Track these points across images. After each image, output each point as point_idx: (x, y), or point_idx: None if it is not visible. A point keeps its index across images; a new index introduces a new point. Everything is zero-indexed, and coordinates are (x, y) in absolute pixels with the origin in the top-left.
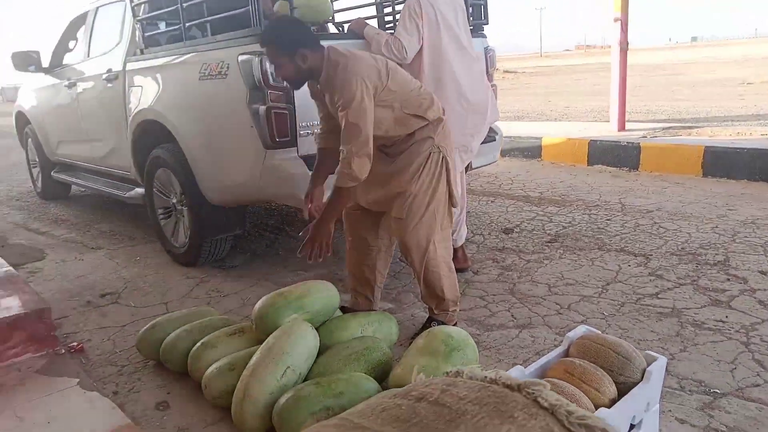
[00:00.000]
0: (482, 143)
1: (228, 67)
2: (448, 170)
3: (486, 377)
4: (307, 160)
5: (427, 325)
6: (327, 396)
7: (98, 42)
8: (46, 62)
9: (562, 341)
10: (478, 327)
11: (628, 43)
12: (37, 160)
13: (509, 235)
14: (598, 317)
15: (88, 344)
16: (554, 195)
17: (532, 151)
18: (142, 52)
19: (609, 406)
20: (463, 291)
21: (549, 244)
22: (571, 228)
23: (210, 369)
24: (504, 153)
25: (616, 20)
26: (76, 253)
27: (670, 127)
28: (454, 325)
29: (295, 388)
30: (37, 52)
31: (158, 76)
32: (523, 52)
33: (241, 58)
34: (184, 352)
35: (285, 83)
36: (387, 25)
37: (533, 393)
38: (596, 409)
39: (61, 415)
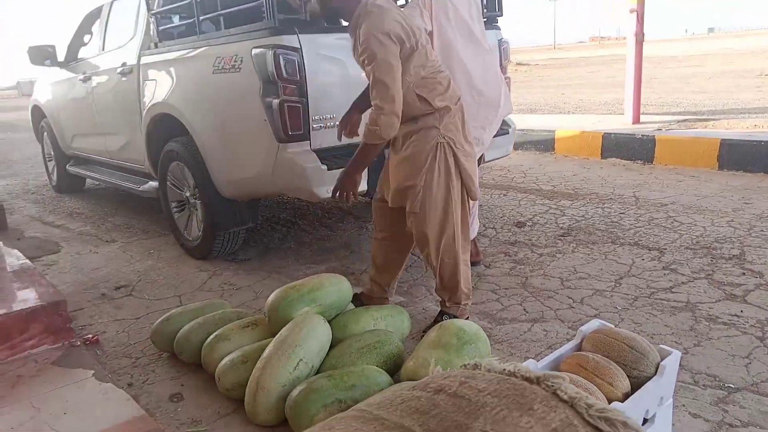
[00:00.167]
0: (495, 136)
1: (241, 61)
2: (458, 162)
3: (504, 370)
4: (320, 153)
5: (438, 318)
6: (339, 389)
7: (113, 36)
8: (61, 56)
9: (574, 335)
10: (490, 320)
11: (643, 35)
12: (53, 153)
13: (522, 229)
14: (611, 311)
15: (103, 336)
16: (567, 188)
17: (545, 144)
18: (156, 46)
19: (622, 401)
20: (476, 285)
21: (562, 237)
22: (584, 221)
23: (223, 361)
24: (517, 146)
25: (631, 11)
26: (90, 246)
27: (685, 120)
28: (466, 318)
29: (308, 381)
30: (53, 47)
31: (172, 69)
32: (536, 44)
33: (254, 51)
34: (198, 344)
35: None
36: None
37: (552, 386)
38: (609, 404)
39: (76, 406)
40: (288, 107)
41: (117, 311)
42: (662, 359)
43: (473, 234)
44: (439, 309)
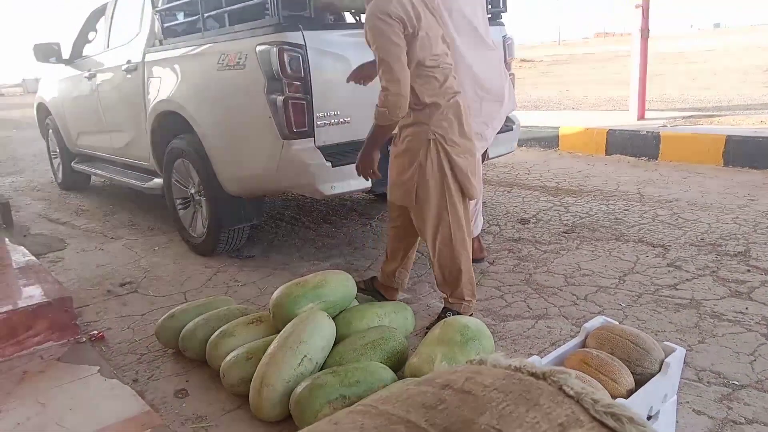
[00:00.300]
0: (499, 133)
1: (246, 58)
2: (450, 159)
3: (510, 365)
4: (325, 150)
5: (442, 315)
6: (343, 385)
7: (118, 33)
8: (66, 54)
9: (578, 332)
10: (494, 317)
11: (649, 30)
12: (58, 151)
13: (526, 226)
14: (616, 308)
15: (109, 333)
16: (571, 185)
17: (549, 140)
18: (161, 43)
19: (626, 397)
20: (479, 281)
21: (566, 234)
22: (588, 218)
23: (228, 357)
24: (521, 143)
25: (637, 7)
26: (96, 243)
27: (690, 116)
28: (470, 315)
29: (312, 377)
30: (58, 44)
31: (177, 67)
32: (541, 41)
33: (259, 48)
34: (203, 340)
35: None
36: None
37: (558, 381)
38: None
39: (82, 402)
40: (292, 104)
41: (122, 308)
42: (666, 356)
43: (477, 231)
44: (442, 306)
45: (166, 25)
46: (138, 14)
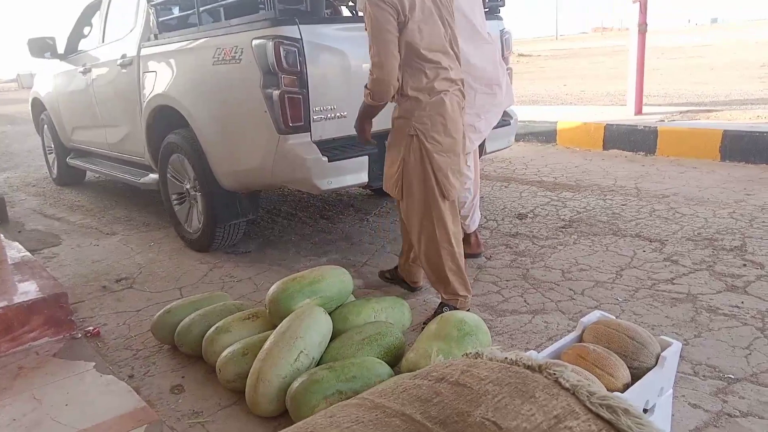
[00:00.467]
0: (497, 127)
1: (242, 52)
2: (430, 156)
3: (506, 358)
4: (321, 145)
5: (439, 310)
6: (340, 380)
7: (113, 27)
8: (61, 48)
9: (575, 327)
10: (491, 312)
11: (646, 25)
12: (53, 146)
13: (523, 221)
14: (612, 303)
15: (104, 328)
16: (569, 180)
17: (547, 135)
18: (156, 38)
19: (622, 391)
20: (476, 276)
21: (563, 229)
22: (585, 213)
23: (224, 353)
24: (518, 138)
25: (634, 2)
26: (91, 239)
27: (688, 111)
28: (467, 310)
29: (309, 372)
30: (53, 39)
31: (172, 61)
32: (539, 35)
33: (254, 42)
34: (199, 336)
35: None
36: None
37: (554, 374)
38: None
39: (77, 398)
40: (288, 98)
41: (118, 303)
42: (663, 350)
43: (474, 226)
44: (439, 301)
45: (161, 19)
46: (133, 8)
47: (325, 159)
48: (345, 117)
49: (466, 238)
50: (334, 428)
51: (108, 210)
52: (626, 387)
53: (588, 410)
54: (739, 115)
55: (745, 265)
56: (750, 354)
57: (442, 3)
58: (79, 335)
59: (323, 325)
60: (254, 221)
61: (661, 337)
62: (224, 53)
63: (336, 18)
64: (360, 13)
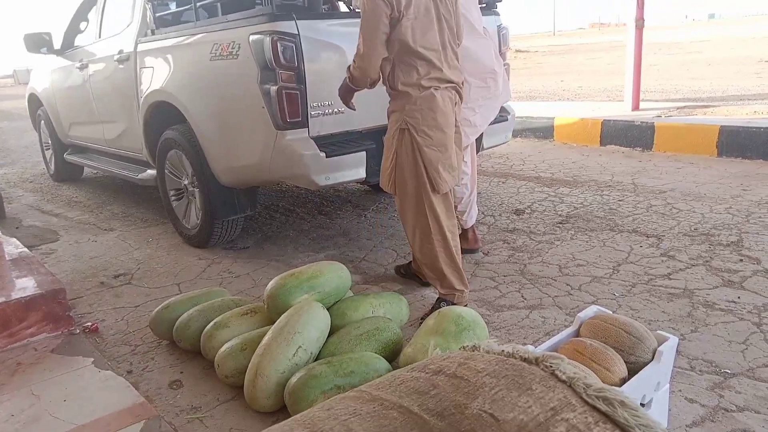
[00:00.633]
0: (494, 123)
1: (239, 48)
2: (420, 150)
3: (503, 351)
4: (319, 140)
5: (436, 305)
6: (338, 375)
7: (109, 23)
8: (58, 44)
9: (572, 322)
10: (489, 308)
11: (644, 21)
12: (50, 142)
13: (520, 216)
14: (609, 298)
15: (103, 324)
16: (566, 176)
17: (544, 131)
18: (153, 33)
19: (619, 386)
20: (474, 272)
21: (560, 225)
22: (582, 209)
23: (222, 348)
24: (516, 133)
25: None
26: (89, 235)
27: (685, 107)
28: (465, 305)
29: (307, 367)
30: (49, 34)
31: (169, 56)
32: (536, 31)
33: (252, 38)
34: (197, 331)
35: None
36: None
37: (551, 366)
38: None
39: (76, 393)
40: (286, 94)
41: (116, 299)
42: (659, 345)
43: (471, 221)
44: (437, 296)
45: (158, 14)
46: (130, 3)
47: (323, 155)
48: (342, 113)
49: (464, 234)
50: (331, 421)
51: (106, 206)
52: (623, 382)
53: (584, 402)
54: (736, 110)
55: (741, 260)
56: (746, 349)
57: (442, 1)
58: (78, 331)
59: (321, 320)
60: (252, 217)
61: (658, 332)
62: (221, 49)
63: (333, 13)
64: (357, 9)
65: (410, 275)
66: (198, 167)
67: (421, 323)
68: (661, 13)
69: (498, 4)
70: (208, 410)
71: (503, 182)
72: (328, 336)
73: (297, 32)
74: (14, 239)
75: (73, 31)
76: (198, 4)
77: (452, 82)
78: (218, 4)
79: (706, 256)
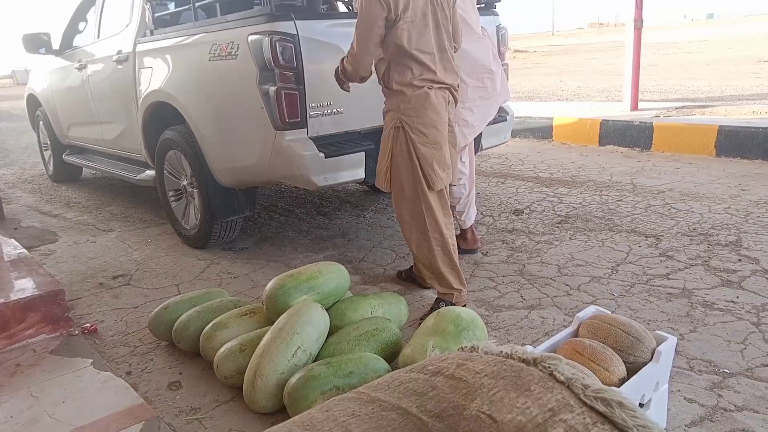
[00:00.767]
0: (493, 123)
1: (238, 48)
2: (415, 147)
3: (502, 352)
4: (318, 141)
5: (435, 305)
6: (337, 376)
7: (108, 23)
8: (56, 44)
9: (571, 322)
10: (488, 308)
11: (642, 21)
12: (49, 142)
13: (519, 217)
14: (608, 298)
15: (102, 325)
16: (565, 176)
17: (543, 131)
18: (152, 33)
19: (618, 386)
20: (473, 272)
21: (559, 225)
22: (581, 209)
23: (221, 349)
24: (515, 133)
25: None
26: (88, 236)
27: (683, 107)
28: (464, 305)
29: (306, 368)
30: (48, 34)
31: (168, 57)
32: (535, 31)
33: (251, 38)
34: (196, 332)
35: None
36: None
37: (549, 367)
38: None
39: (75, 395)
40: (285, 94)
41: (115, 300)
42: (658, 345)
43: (470, 221)
44: (436, 296)
45: (156, 14)
46: (128, 4)
47: (322, 155)
48: (341, 113)
49: (462, 234)
50: (330, 422)
51: (105, 207)
52: (622, 382)
53: (582, 403)
54: (735, 110)
55: (740, 260)
56: (745, 349)
57: (440, 6)
58: (77, 332)
59: (320, 321)
60: (251, 218)
61: (657, 332)
62: (220, 49)
63: (332, 14)
64: (357, 9)
65: (411, 279)
66: (197, 168)
67: (420, 324)
68: (659, 13)
69: (497, 4)
70: (207, 411)
71: (502, 182)
72: (327, 337)
73: (296, 32)
74: (13, 240)
75: (71, 31)
76: (197, 4)
77: (446, 84)
78: (217, 5)
79: (705, 256)
